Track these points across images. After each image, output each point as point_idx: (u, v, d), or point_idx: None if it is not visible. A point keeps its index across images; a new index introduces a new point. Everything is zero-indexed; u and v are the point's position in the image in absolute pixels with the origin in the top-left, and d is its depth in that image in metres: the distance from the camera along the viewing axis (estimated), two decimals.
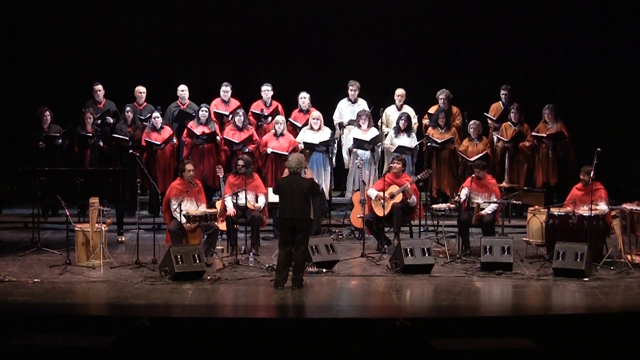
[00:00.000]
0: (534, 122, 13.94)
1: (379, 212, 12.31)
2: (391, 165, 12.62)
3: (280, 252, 10.58)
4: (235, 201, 11.95)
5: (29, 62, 15.13)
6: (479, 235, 12.02)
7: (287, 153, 13.02)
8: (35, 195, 12.00)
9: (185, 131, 13.62)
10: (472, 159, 13.23)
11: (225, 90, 14.04)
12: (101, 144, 13.67)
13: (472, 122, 13.70)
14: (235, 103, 14.10)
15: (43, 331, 8.08)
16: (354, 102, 14.14)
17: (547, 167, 13.81)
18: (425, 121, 14.14)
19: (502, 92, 14.19)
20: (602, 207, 11.67)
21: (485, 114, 14.12)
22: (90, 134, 13.59)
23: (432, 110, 14.15)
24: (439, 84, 14.31)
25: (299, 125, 13.87)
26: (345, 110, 14.17)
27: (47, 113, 13.54)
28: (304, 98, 13.95)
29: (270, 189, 11.97)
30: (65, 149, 13.69)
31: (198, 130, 13.50)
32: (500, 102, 14.24)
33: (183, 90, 14.15)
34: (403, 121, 13.65)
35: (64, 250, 11.66)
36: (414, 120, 13.98)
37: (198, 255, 10.94)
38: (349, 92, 14.12)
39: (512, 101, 14.08)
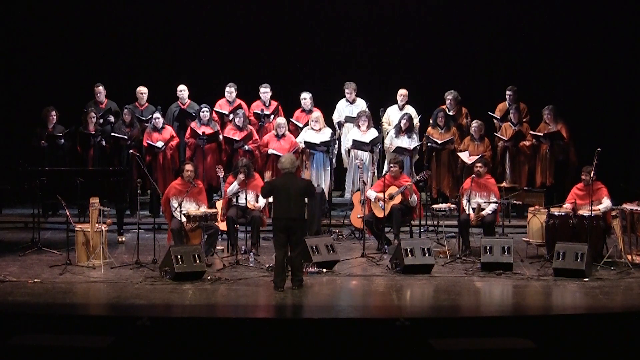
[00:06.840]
0: (535, 123, 13.91)
1: (379, 214, 12.31)
2: (390, 166, 12.60)
3: (277, 253, 10.55)
4: (235, 201, 11.95)
5: (30, 63, 15.13)
6: (479, 235, 12.02)
7: None
8: (35, 195, 11.99)
9: (188, 131, 13.62)
10: (469, 163, 13.18)
11: (230, 91, 14.02)
12: (104, 143, 13.68)
13: (474, 122, 13.67)
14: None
15: (43, 331, 8.09)
16: (352, 102, 14.13)
17: (545, 167, 13.79)
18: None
19: (508, 92, 14.14)
20: (606, 202, 11.66)
21: (490, 113, 14.08)
22: (93, 133, 13.61)
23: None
24: (440, 84, 14.30)
25: (300, 125, 13.86)
26: (344, 111, 14.15)
27: (53, 113, 13.58)
28: (304, 99, 13.93)
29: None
30: (68, 149, 13.69)
31: (200, 130, 13.50)
32: (506, 102, 14.22)
33: (182, 90, 14.13)
34: (405, 121, 13.62)
35: (64, 250, 11.65)
36: (416, 121, 13.97)
37: (198, 255, 10.94)
38: (346, 94, 14.10)
39: (516, 102, 14.06)
